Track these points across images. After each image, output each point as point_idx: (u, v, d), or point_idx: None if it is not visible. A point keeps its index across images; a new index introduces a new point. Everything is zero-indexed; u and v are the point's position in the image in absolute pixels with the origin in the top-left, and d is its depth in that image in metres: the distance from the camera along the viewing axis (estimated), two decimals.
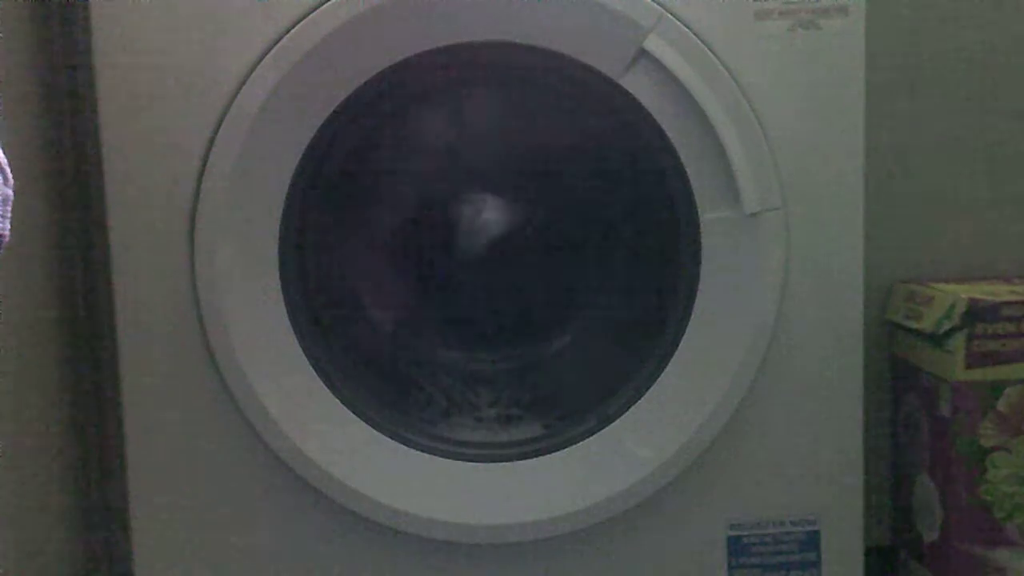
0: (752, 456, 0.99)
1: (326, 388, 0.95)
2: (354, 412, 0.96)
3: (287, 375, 0.94)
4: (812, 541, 1.01)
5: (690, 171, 0.93)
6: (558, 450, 0.98)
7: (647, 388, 0.97)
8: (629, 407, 0.97)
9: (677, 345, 0.96)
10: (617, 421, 0.97)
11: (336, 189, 1.02)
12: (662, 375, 0.97)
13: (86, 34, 1.05)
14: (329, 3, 0.88)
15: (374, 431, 0.96)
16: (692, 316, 0.96)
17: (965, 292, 1.02)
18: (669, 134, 0.92)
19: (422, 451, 0.97)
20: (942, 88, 1.14)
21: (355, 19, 0.88)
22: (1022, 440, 1.01)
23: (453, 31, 0.90)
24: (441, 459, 0.97)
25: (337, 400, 0.95)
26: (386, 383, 1.05)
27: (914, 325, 1.07)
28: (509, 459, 0.98)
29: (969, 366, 1.00)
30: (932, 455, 1.05)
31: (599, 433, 0.97)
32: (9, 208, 0.60)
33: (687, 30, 0.91)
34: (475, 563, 0.99)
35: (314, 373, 0.95)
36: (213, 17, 0.89)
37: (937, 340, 1.03)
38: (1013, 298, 1.00)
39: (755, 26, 0.93)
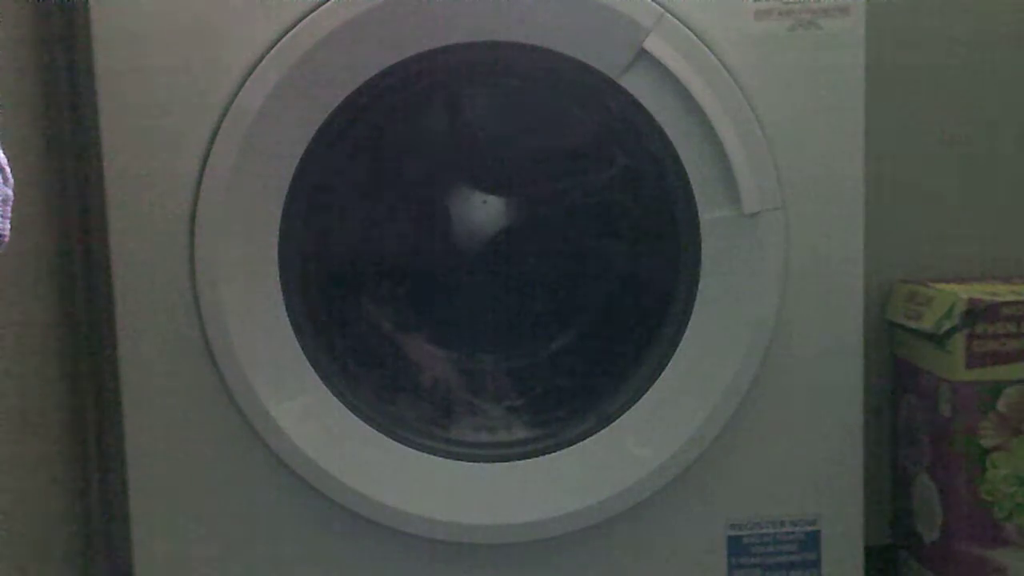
0: (752, 456, 0.99)
1: (326, 388, 0.95)
2: (354, 412, 0.96)
3: (287, 375, 0.94)
4: (812, 541, 1.01)
5: (690, 171, 0.93)
6: (558, 450, 0.98)
7: (647, 388, 0.97)
8: (629, 407, 0.97)
9: (677, 345, 0.96)
10: (617, 421, 0.97)
11: (336, 189, 1.02)
12: (662, 375, 0.97)
13: (86, 34, 1.05)
14: (329, 3, 0.88)
15: (374, 431, 0.96)
16: (692, 316, 0.96)
17: (965, 292, 1.02)
18: (669, 134, 0.92)
19: (422, 451, 0.97)
20: (942, 88, 1.14)
21: (355, 19, 0.88)
22: (1022, 440, 1.01)
23: (453, 31, 0.90)
24: (441, 459, 0.97)
25: (337, 400, 0.95)
26: (386, 383, 1.05)
27: (914, 325, 1.07)
28: (509, 459, 0.98)
29: (969, 366, 1.00)
30: (932, 455, 1.05)
31: (599, 433, 0.97)
32: (9, 208, 0.60)
33: (687, 30, 0.91)
34: (475, 563, 0.99)
35: (314, 373, 0.95)
36: (213, 17, 0.89)
37: (937, 340, 1.02)
38: (1013, 298, 1.00)
39: (755, 26, 0.93)
